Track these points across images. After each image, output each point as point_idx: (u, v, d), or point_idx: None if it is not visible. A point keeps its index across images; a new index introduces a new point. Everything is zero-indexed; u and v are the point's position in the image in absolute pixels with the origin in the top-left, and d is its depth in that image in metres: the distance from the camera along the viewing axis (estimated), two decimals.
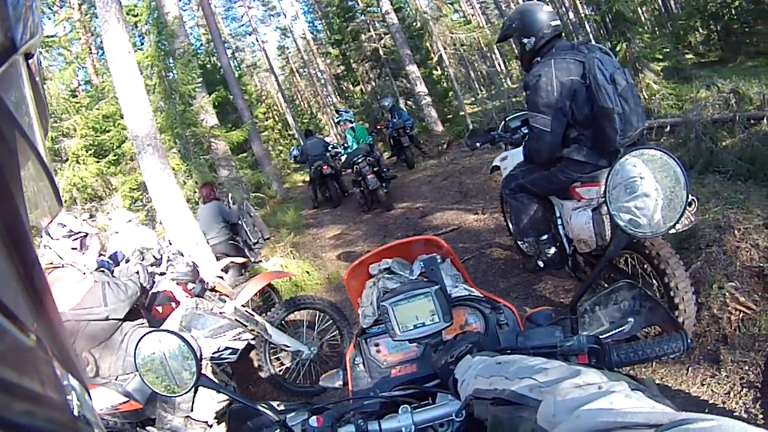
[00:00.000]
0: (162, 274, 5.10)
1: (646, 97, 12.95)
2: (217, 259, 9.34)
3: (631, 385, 1.00)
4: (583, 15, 21.92)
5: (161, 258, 5.16)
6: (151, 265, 5.05)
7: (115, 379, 4.65)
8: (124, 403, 4.72)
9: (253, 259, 9.96)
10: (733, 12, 19.76)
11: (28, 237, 0.67)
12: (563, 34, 4.80)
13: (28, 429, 0.54)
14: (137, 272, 4.80)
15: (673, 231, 4.08)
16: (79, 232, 4.86)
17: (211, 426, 5.01)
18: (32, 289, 0.65)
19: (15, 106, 0.64)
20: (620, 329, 1.89)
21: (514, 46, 5.05)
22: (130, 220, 7.37)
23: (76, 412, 0.70)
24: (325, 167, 15.91)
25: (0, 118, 0.60)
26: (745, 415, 3.66)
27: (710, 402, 3.90)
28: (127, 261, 5.02)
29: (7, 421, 0.50)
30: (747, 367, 4.02)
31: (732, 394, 3.88)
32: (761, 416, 3.48)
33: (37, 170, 0.74)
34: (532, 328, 2.02)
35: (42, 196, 0.80)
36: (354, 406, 1.99)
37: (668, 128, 10.23)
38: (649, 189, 1.64)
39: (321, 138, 17.87)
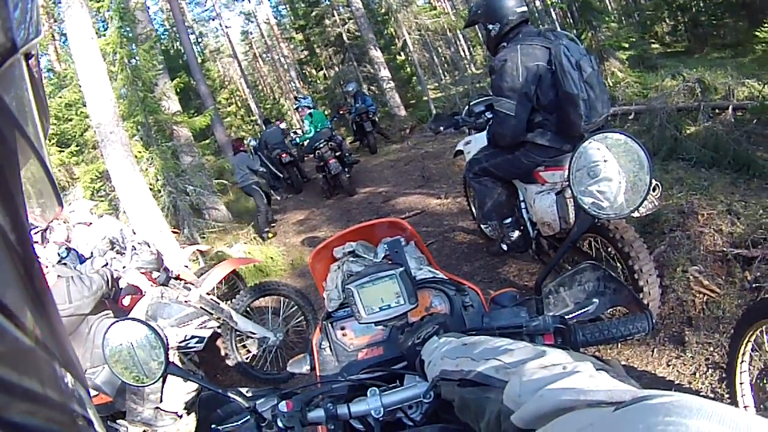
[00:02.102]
0: (124, 267, 5.06)
1: (611, 84, 13.03)
2: (248, 194, 13.64)
3: (596, 365, 1.01)
4: (549, 2, 21.99)
5: (125, 247, 5.13)
6: (117, 252, 5.03)
7: (84, 373, 4.62)
8: (93, 396, 4.69)
9: (278, 197, 13.54)
10: (701, 4, 19.86)
11: (28, 237, 0.67)
12: (529, 21, 4.81)
13: (28, 429, 0.54)
14: (105, 264, 4.77)
15: (636, 215, 4.13)
16: (37, 226, 4.82)
17: (181, 416, 5.00)
18: (32, 289, 0.64)
19: (15, 106, 0.64)
20: (585, 310, 1.89)
21: (479, 32, 5.08)
22: (91, 209, 7.30)
23: (75, 412, 0.70)
24: (283, 155, 16.14)
25: (0, 118, 0.60)
26: (711, 395, 3.73)
27: (676, 382, 3.96)
28: (92, 255, 4.97)
29: (7, 421, 0.49)
30: (712, 348, 4.09)
31: (698, 375, 3.95)
32: (727, 395, 3.53)
33: (37, 170, 0.75)
34: (497, 309, 2.02)
35: (42, 196, 0.81)
36: (322, 390, 1.97)
37: (632, 115, 10.32)
38: (611, 173, 1.65)
39: (278, 126, 17.88)
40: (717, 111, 8.54)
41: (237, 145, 14.10)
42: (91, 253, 5.10)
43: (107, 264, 4.86)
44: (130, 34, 13.07)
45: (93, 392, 4.67)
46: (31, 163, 0.71)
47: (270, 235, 12.82)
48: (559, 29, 4.92)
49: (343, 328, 2.41)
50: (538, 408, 0.88)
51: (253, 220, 13.45)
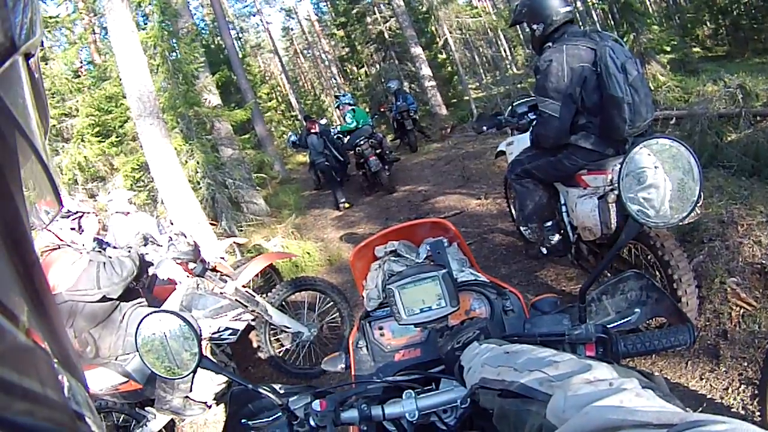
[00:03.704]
0: (161, 257, 5.10)
1: (653, 88, 12.94)
2: (322, 172, 14.96)
3: (642, 382, 0.99)
4: (590, 3, 21.86)
5: (160, 244, 5.16)
6: (151, 243, 5.06)
7: (115, 359, 4.68)
8: (123, 383, 4.77)
9: (338, 178, 14.36)
10: (742, 7, 19.70)
11: (28, 237, 0.68)
12: (574, 21, 4.77)
13: (28, 429, 0.54)
14: (137, 248, 4.80)
15: (680, 223, 4.09)
16: (77, 212, 4.87)
17: (210, 407, 5.03)
18: (32, 290, 0.65)
19: (15, 106, 0.64)
20: (627, 319, 1.86)
21: (520, 31, 5.04)
22: (130, 199, 7.37)
23: (74, 412, 0.70)
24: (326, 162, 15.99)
25: (0, 118, 0.60)
26: (742, 412, 3.67)
27: (708, 397, 3.90)
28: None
29: (7, 420, 0.50)
30: (746, 364, 4.02)
31: (730, 390, 3.88)
32: (758, 413, 3.47)
33: (37, 170, 0.75)
34: (537, 315, 2.00)
35: (42, 196, 0.81)
36: (357, 390, 1.97)
37: (674, 120, 10.21)
38: (658, 180, 1.62)
39: (318, 122, 18.05)
40: (758, 118, 8.42)
41: (309, 126, 14.93)
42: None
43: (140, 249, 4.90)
44: (171, 28, 13.18)
45: (123, 379, 4.76)
46: (31, 163, 0.72)
47: (346, 206, 13.65)
48: (600, 31, 4.87)
49: (381, 328, 2.40)
50: (583, 425, 0.87)
51: (331, 194, 14.36)
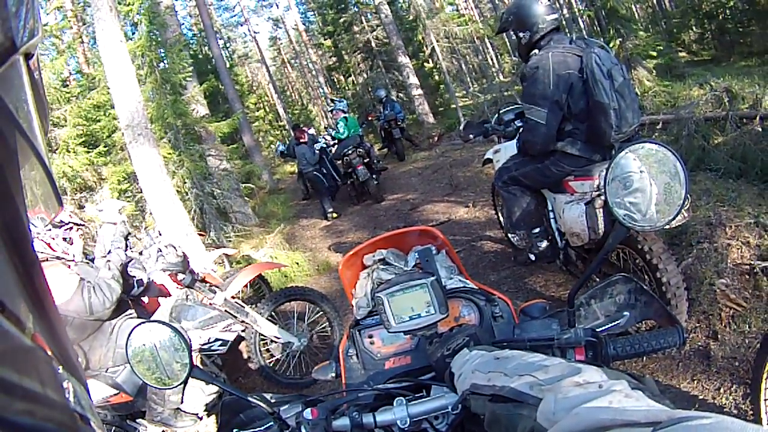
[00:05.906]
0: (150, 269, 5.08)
1: (639, 93, 12.94)
2: (311, 180, 14.64)
3: (631, 384, 0.99)
4: (576, 11, 21.91)
5: (147, 251, 5.15)
6: (140, 253, 5.04)
7: (105, 371, 4.64)
8: (114, 395, 4.72)
9: (330, 196, 14.16)
10: (728, 12, 19.78)
11: (28, 237, 0.68)
12: (560, 29, 4.78)
13: (28, 428, 0.54)
14: (118, 263, 4.76)
15: (668, 227, 4.09)
16: (68, 223, 4.84)
17: (201, 418, 5.00)
18: (32, 289, 0.65)
19: (15, 106, 0.65)
20: (616, 323, 1.87)
21: (507, 39, 5.04)
22: (120, 210, 7.34)
23: (75, 412, 0.69)
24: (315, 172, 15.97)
25: (0, 118, 0.60)
26: (735, 412, 3.66)
27: (700, 397, 3.89)
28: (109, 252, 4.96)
29: (7, 420, 0.50)
30: (737, 364, 4.02)
31: (722, 390, 3.88)
32: (751, 412, 3.47)
33: (37, 170, 0.75)
34: (526, 320, 2.01)
35: (42, 196, 0.81)
36: (348, 398, 1.95)
37: (660, 125, 10.21)
38: (644, 184, 1.63)
39: (307, 131, 18.03)
40: (744, 121, 8.44)
41: (298, 136, 14.94)
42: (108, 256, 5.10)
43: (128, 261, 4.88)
44: (159, 38, 13.18)
45: (113, 391, 4.71)
46: (31, 163, 0.72)
47: (334, 215, 13.64)
48: (586, 37, 4.88)
49: (371, 336, 2.40)
50: (573, 426, 0.87)
51: (319, 204, 14.38)
